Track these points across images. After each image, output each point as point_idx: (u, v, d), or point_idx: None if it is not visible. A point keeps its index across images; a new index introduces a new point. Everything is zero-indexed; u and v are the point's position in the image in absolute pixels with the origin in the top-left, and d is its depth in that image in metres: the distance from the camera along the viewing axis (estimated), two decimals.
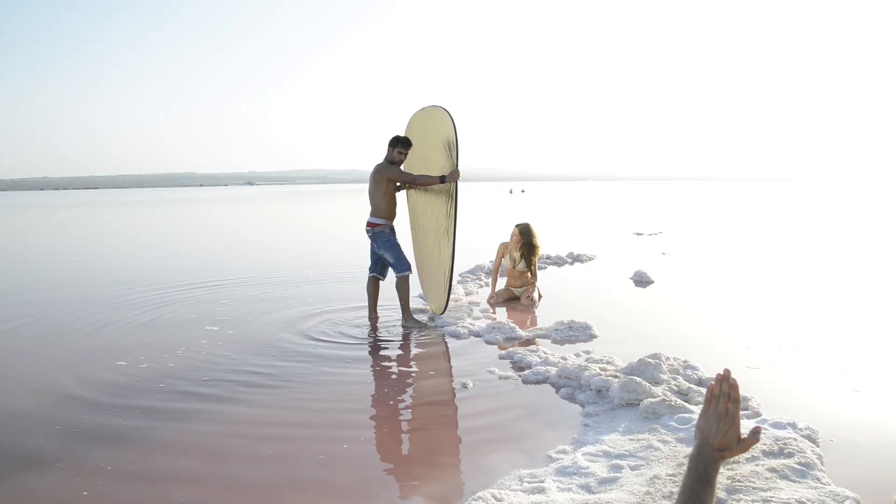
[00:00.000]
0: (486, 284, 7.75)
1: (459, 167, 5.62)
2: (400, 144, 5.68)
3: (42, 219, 29.92)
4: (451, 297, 6.71)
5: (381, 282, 6.02)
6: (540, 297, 6.81)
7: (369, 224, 5.79)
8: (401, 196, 6.09)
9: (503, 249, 6.92)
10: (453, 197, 5.59)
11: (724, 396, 1.24)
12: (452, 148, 5.59)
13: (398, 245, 5.80)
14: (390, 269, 5.88)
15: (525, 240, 6.71)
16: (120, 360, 4.73)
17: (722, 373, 1.26)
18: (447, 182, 5.55)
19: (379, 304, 6.04)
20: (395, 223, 5.93)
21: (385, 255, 5.76)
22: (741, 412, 1.25)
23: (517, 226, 6.83)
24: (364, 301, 6.13)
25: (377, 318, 5.94)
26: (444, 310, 5.81)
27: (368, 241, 5.91)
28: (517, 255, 6.77)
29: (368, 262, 6.01)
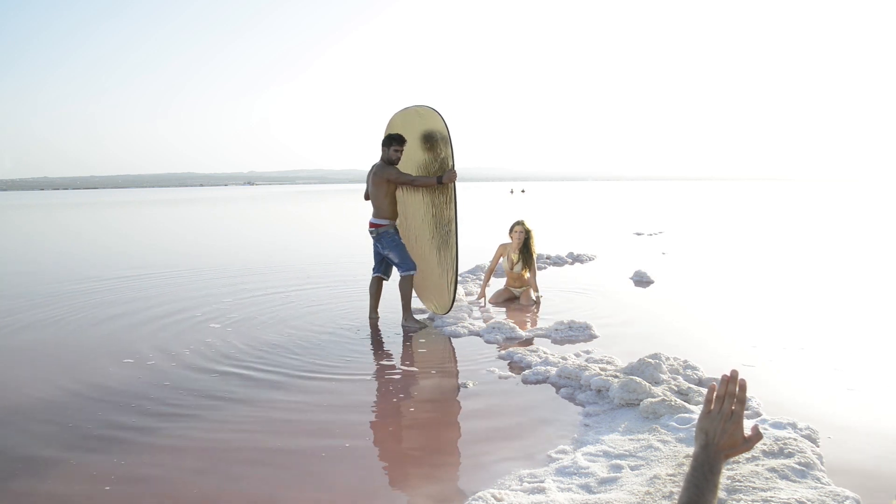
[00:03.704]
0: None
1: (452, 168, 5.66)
2: (395, 143, 5.69)
3: (45, 219, 29.91)
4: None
5: (384, 282, 6.02)
6: (538, 302, 6.76)
7: (372, 225, 5.79)
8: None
9: (502, 250, 6.91)
10: (452, 197, 5.61)
11: (730, 397, 1.24)
12: (447, 148, 5.64)
13: (402, 245, 5.80)
14: (395, 269, 5.88)
15: (524, 239, 6.69)
16: (127, 358, 4.75)
17: (728, 374, 1.26)
18: (444, 182, 5.57)
19: (378, 303, 6.04)
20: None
21: (390, 254, 5.76)
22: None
23: (519, 223, 6.78)
24: (366, 300, 6.13)
25: (377, 317, 5.94)
26: (450, 309, 5.80)
27: (371, 241, 5.92)
28: (515, 256, 6.76)
29: (372, 262, 6.01)
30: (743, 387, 1.24)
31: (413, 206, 6.21)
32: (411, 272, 5.72)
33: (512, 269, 6.79)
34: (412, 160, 6.08)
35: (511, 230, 6.78)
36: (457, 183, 5.61)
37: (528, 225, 6.74)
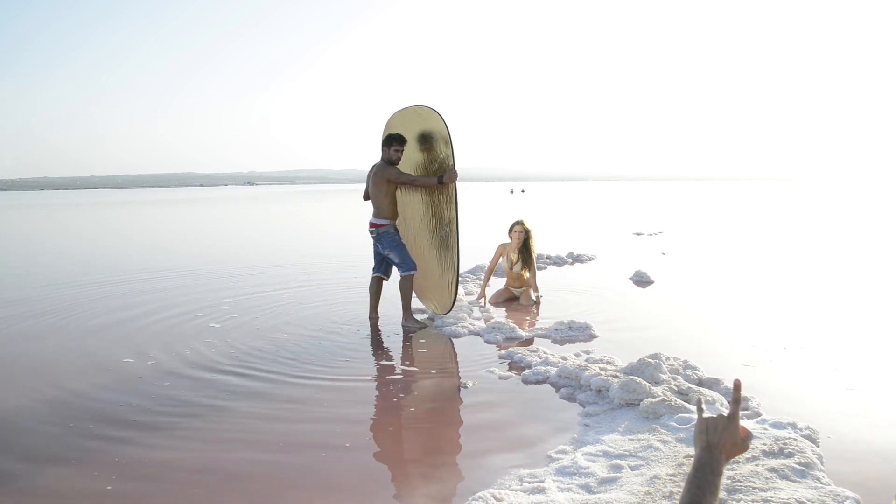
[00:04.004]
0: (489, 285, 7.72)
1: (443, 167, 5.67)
2: (395, 143, 5.68)
3: (44, 219, 29.89)
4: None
5: (384, 282, 6.01)
6: (538, 302, 6.75)
7: (372, 225, 5.79)
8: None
9: (501, 250, 6.90)
10: (453, 197, 5.61)
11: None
12: (447, 148, 5.64)
13: (403, 245, 5.80)
14: (395, 269, 5.88)
15: (523, 239, 6.69)
16: (127, 358, 4.74)
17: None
18: (445, 182, 5.56)
19: (378, 303, 6.04)
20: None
21: (390, 254, 5.76)
22: (742, 412, 1.27)
23: (518, 223, 6.77)
24: (366, 300, 6.13)
25: (377, 317, 5.94)
26: (450, 309, 5.80)
27: (371, 241, 5.91)
28: (515, 256, 6.75)
29: (372, 262, 6.01)
30: (737, 387, 1.26)
31: (413, 206, 6.20)
32: (411, 272, 5.72)
33: (512, 268, 6.79)
34: (411, 160, 6.08)
35: (511, 230, 6.77)
36: (457, 183, 5.62)
37: (528, 225, 6.74)
